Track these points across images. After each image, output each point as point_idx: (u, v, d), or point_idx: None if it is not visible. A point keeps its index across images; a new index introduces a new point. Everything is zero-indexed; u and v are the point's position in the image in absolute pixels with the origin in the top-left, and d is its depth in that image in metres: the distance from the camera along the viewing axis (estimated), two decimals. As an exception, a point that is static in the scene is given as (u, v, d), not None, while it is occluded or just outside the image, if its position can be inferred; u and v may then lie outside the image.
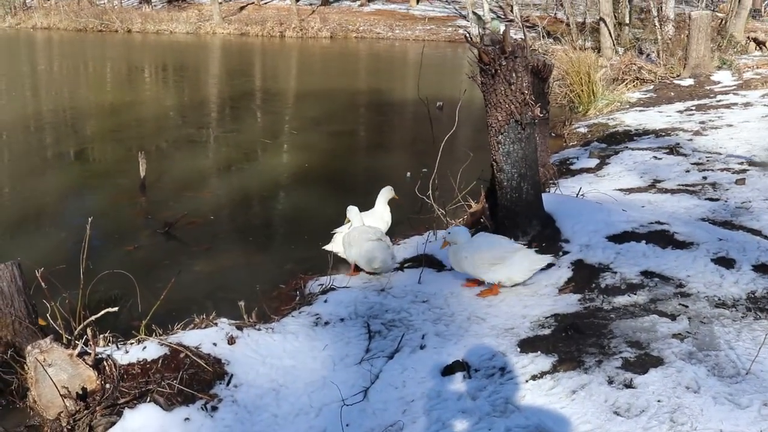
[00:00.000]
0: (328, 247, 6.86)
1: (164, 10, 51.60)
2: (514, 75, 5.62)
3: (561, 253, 5.80)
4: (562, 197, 6.90)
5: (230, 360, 4.62)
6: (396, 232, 7.57)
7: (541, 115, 6.34)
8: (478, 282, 5.66)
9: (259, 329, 5.05)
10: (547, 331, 4.62)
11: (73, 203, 9.14)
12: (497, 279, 5.44)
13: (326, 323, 5.27)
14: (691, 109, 14.11)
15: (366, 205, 7.20)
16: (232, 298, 5.66)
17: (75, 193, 9.62)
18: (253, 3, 54.08)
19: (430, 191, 7.22)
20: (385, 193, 7.39)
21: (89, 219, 5.01)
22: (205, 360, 4.54)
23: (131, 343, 4.70)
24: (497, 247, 5.48)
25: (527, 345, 4.47)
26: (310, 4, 53.74)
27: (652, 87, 18.00)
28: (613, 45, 24.34)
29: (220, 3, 49.85)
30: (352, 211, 6.54)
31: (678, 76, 18.90)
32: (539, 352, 4.31)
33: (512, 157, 5.90)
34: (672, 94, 16.55)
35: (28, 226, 8.33)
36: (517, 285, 5.49)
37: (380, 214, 7.15)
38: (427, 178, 7.67)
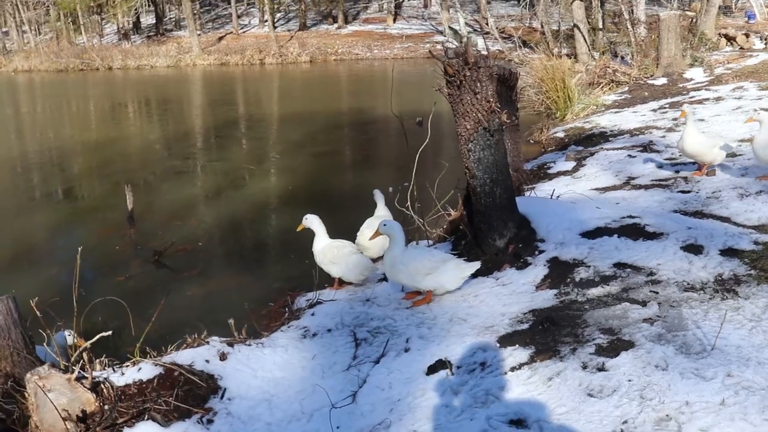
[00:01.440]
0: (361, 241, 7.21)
1: (144, 45, 52.02)
2: (478, 84, 5.86)
3: (537, 252, 6.01)
4: (537, 199, 7.13)
5: (223, 375, 4.79)
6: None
7: (510, 122, 6.58)
8: (417, 293, 5.89)
9: (249, 345, 5.23)
10: (525, 326, 4.82)
11: (63, 239, 9.33)
12: (431, 287, 5.70)
13: (314, 335, 5.45)
14: (665, 108, 14.41)
15: (351, 220, 7.42)
16: (223, 318, 5.83)
17: (64, 230, 9.81)
18: (231, 33, 54.53)
19: (408, 203, 7.42)
20: (379, 195, 7.70)
21: (79, 249, 5.14)
22: (198, 376, 4.71)
23: (127, 366, 4.87)
24: (429, 257, 5.75)
25: (506, 340, 4.66)
26: (288, 30, 54.24)
27: (627, 88, 18.33)
28: (589, 50, 24.74)
29: (199, 35, 50.26)
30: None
31: (651, 76, 19.26)
32: (517, 345, 4.50)
33: (483, 163, 6.11)
34: (646, 94, 16.87)
35: (19, 263, 8.49)
36: (447, 293, 5.76)
37: (385, 216, 7.45)
38: (407, 191, 7.90)
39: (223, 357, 4.97)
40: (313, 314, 5.87)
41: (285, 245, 8.59)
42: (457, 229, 7.30)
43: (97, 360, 4.93)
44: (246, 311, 5.95)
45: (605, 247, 5.81)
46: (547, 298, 5.23)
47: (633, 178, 8.99)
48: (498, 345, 4.62)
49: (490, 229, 6.26)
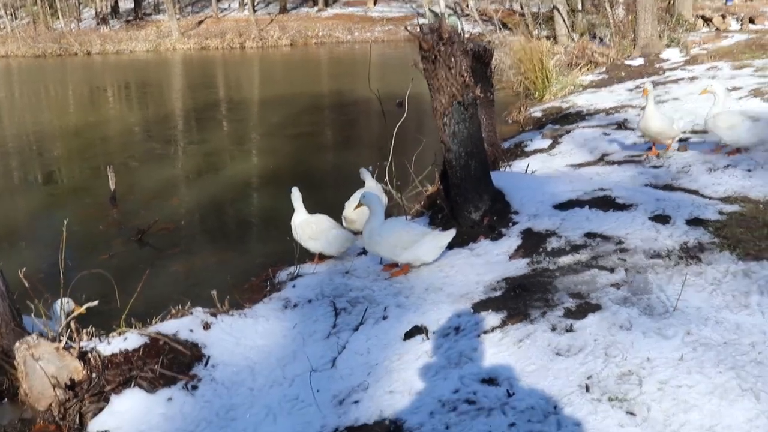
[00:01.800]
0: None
1: (122, 30, 51.57)
2: (452, 59, 6.01)
3: (511, 224, 6.20)
4: (511, 174, 7.32)
5: (206, 343, 4.95)
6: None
7: (484, 96, 6.74)
8: (395, 265, 6.06)
9: (232, 315, 5.38)
10: (498, 293, 5.00)
11: (45, 220, 9.40)
12: (409, 260, 5.87)
13: (295, 305, 5.61)
14: (640, 87, 14.62)
15: (332, 198, 7.58)
16: (206, 293, 5.96)
17: (45, 212, 9.88)
18: (211, 17, 54.18)
19: (387, 179, 7.58)
20: (366, 173, 7.88)
21: (65, 221, 5.26)
22: (183, 345, 4.86)
23: (113, 336, 5.00)
24: (408, 231, 5.91)
25: (480, 306, 4.84)
26: (269, 14, 53.96)
27: (604, 69, 18.54)
28: (568, 32, 24.95)
29: (178, 19, 49.89)
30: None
31: (629, 56, 19.48)
32: (490, 310, 4.69)
33: (458, 137, 6.28)
34: (623, 74, 17.09)
35: (2, 245, 8.57)
36: (424, 264, 5.91)
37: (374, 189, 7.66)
38: (386, 169, 8.07)
39: (206, 326, 5.12)
40: (293, 286, 6.02)
41: (266, 222, 8.73)
42: (435, 204, 7.48)
43: (84, 330, 5.06)
44: (228, 285, 6.09)
45: (576, 218, 6.01)
46: (520, 267, 5.42)
47: (607, 155, 9.19)
48: (472, 311, 4.80)
49: (465, 201, 6.43)
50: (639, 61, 18.49)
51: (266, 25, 47.82)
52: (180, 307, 5.41)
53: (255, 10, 51.37)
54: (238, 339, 5.06)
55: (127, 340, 4.88)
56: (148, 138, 15.73)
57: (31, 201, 10.49)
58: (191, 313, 5.31)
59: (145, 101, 22.34)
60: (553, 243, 5.66)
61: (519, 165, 8.84)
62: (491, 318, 4.60)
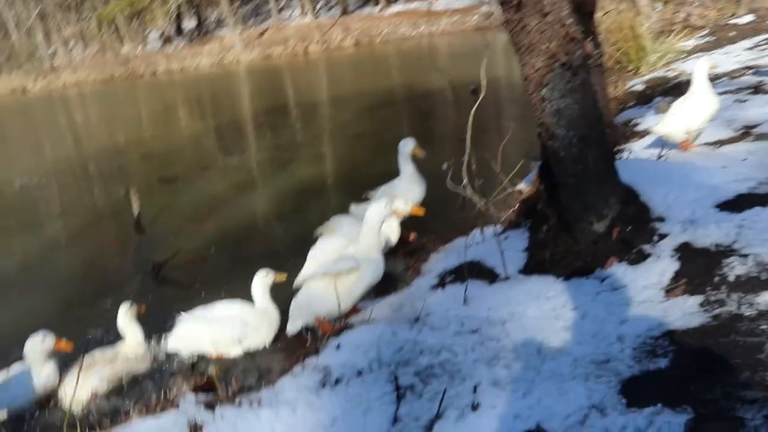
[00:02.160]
0: None
1: (186, 48, 51.39)
2: (547, 2, 4.03)
3: (656, 237, 4.14)
4: (642, 162, 5.25)
5: (192, 466, 3.13)
6: (436, 230, 6.11)
7: (594, 56, 4.73)
8: None
9: (239, 404, 3.54)
10: (662, 363, 2.99)
11: (59, 257, 7.84)
12: None
13: (337, 381, 3.73)
14: (762, 45, 12.19)
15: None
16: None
17: (64, 244, 8.33)
18: (273, 26, 53.49)
19: (465, 180, 5.62)
20: (408, 143, 6.11)
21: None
22: (154, 473, 3.06)
23: None
24: None
25: (636, 391, 2.85)
26: (331, 17, 52.83)
27: (707, 32, 16.03)
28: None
29: (240, 31, 49.27)
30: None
31: (733, 15, 16.94)
32: (659, 404, 2.68)
33: (566, 116, 4.28)
34: (732, 34, 14.60)
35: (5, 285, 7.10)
36: None
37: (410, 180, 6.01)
38: (461, 167, 6.14)
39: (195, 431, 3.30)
40: (338, 347, 4.15)
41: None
42: (534, 211, 5.49)
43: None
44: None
45: (763, 223, 3.90)
46: (689, 310, 3.37)
47: (752, 127, 6.97)
48: (624, 400, 2.81)
49: (582, 207, 4.42)
50: (748, 18, 15.96)
51: (329, 28, 46.45)
52: (162, 396, 3.62)
53: (316, 15, 50.19)
54: (245, 453, 3.22)
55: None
56: (198, 151, 14.23)
57: (53, 233, 8.98)
58: (177, 406, 3.50)
59: (208, 114, 20.99)
60: (735, 267, 3.57)
61: (636, 149, 6.74)
62: (665, 422, 2.59)
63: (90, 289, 6.57)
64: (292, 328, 4.96)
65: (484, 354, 3.68)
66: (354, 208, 6.75)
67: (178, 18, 58.52)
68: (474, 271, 4.92)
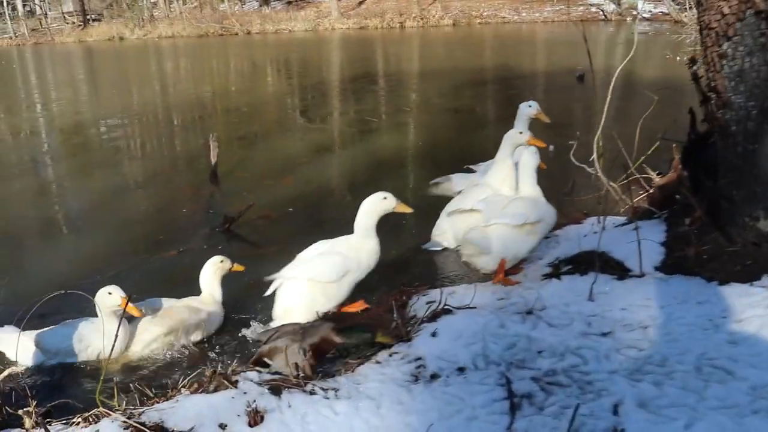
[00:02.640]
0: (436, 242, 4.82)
1: (283, 11, 51.31)
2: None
3: None
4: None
5: (246, 462, 2.44)
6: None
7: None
8: None
9: (311, 392, 2.84)
10: None
11: (131, 198, 7.32)
12: None
13: (433, 377, 3.00)
14: None
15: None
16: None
17: (137, 188, 7.81)
18: (371, -3, 52.91)
19: (595, 155, 4.75)
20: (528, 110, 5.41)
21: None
22: (197, 463, 2.38)
23: (76, 423, 2.61)
24: None
25: None
26: (430, -6, 51.85)
27: None
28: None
29: (338, 0, 48.96)
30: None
31: None
32: None
33: (748, 80, 3.40)
34: None
35: (75, 223, 6.61)
36: None
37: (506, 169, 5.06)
38: (584, 147, 5.29)
39: (255, 419, 2.60)
40: (434, 334, 3.40)
41: (407, 216, 6.19)
42: (670, 200, 4.61)
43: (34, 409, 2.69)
44: (325, 322, 3.52)
45: None
46: None
47: None
48: None
49: (748, 198, 3.55)
50: None
51: (428, 4, 45.51)
52: (218, 370, 2.93)
53: (417, -9, 49.25)
54: (313, 455, 2.51)
55: (96, 441, 2.47)
56: (287, 106, 13.67)
57: (127, 173, 8.50)
58: (235, 385, 2.81)
59: (295, 74, 20.48)
60: None
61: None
62: None
63: (156, 235, 6.00)
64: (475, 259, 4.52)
65: (624, 364, 2.89)
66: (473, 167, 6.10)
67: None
68: (599, 262, 4.10)
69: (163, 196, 7.34)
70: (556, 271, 4.26)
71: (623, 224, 4.82)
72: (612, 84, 4.76)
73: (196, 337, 4.17)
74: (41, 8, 59.58)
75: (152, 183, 7.98)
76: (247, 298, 4.60)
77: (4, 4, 54.45)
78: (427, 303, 3.92)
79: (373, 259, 4.29)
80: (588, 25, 34.90)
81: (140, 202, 7.18)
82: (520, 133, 4.67)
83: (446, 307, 3.69)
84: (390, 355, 3.23)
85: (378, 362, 3.18)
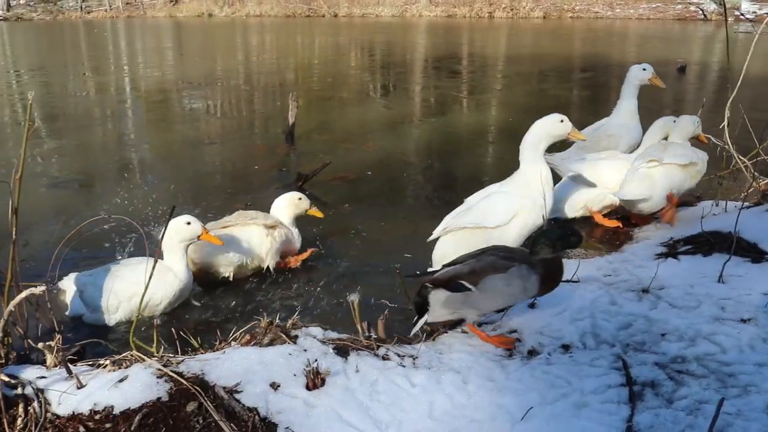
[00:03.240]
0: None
1: (371, -5, 51.11)
2: None
3: None
4: None
5: (305, 424, 1.96)
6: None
7: None
8: None
9: (384, 356, 2.35)
10: None
11: (207, 151, 6.99)
12: None
13: (531, 353, 2.47)
14: None
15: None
16: (364, 292, 3.02)
17: (213, 143, 7.49)
18: (461, -14, 52.28)
19: (725, 124, 4.10)
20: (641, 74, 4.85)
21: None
22: (242, 425, 1.92)
23: (103, 366, 2.19)
24: None
25: None
26: (521, -14, 50.84)
27: None
28: None
29: (429, -14, 48.43)
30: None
31: None
32: None
33: None
34: None
35: (152, 167, 6.35)
36: None
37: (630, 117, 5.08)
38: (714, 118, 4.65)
39: (315, 381, 2.14)
40: (532, 304, 2.87)
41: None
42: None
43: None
44: (400, 284, 3.01)
45: None
46: None
47: None
48: None
49: None
50: None
51: (522, -7, 44.55)
52: (274, 321, 2.46)
53: (508, -18, 48.20)
54: (383, 426, 2.02)
55: (125, 385, 2.05)
56: (369, 79, 13.23)
57: (204, 130, 8.21)
58: (294, 340, 2.35)
59: (378, 53, 20.03)
60: None
61: None
62: None
63: (225, 188, 5.64)
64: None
65: (773, 354, 2.30)
66: None
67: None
68: (723, 244, 3.49)
69: (237, 152, 6.99)
70: (672, 250, 3.65)
71: (749, 207, 4.17)
72: (747, 62, 4.10)
73: (276, 257, 3.89)
74: (136, -18, 61.16)
75: (228, 139, 7.66)
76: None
77: (101, -24, 56.03)
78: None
79: (548, 187, 3.59)
80: (686, 24, 33.38)
81: (213, 156, 6.85)
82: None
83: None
84: (479, 325, 2.71)
85: (464, 331, 2.67)
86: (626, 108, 5.11)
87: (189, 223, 3.49)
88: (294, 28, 32.64)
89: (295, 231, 4.16)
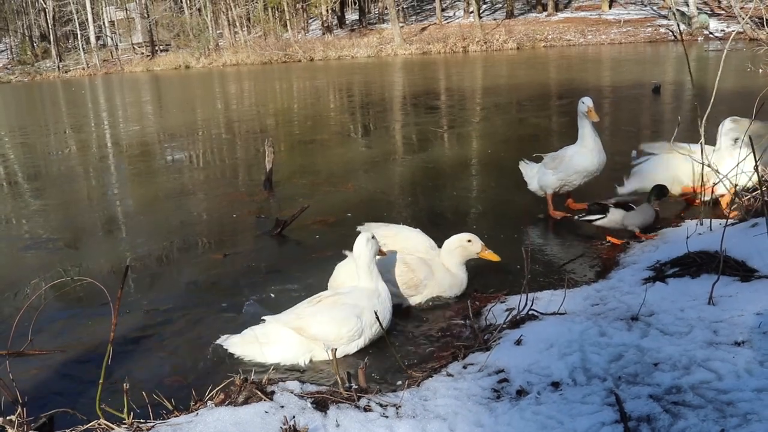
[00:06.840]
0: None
1: (345, 38, 51.68)
2: None
3: None
4: None
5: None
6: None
7: None
8: None
9: (366, 408, 2.23)
10: None
11: (185, 203, 6.89)
12: None
13: (519, 393, 2.36)
14: None
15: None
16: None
17: (192, 192, 7.40)
18: (434, 24, 52.95)
19: (702, 141, 4.06)
20: (584, 106, 4.79)
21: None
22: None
23: None
24: None
25: None
26: (494, 19, 51.61)
27: None
28: None
29: (402, 26, 49.02)
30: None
31: None
32: None
33: None
34: None
35: (125, 223, 6.24)
36: None
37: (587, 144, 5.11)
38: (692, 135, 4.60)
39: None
40: (518, 342, 2.77)
41: (471, 219, 5.55)
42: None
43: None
44: (380, 326, 2.91)
45: None
46: None
47: None
48: None
49: None
50: None
51: (492, 29, 45.04)
52: (247, 379, 2.35)
53: (480, 16, 48.84)
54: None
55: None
56: (349, 120, 13.22)
57: (183, 180, 8.13)
58: (270, 397, 2.24)
59: (356, 93, 20.09)
60: None
61: None
62: None
63: (202, 237, 5.53)
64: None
65: (774, 381, 2.20)
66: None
67: (342, 8, 59.07)
68: (710, 264, 3.41)
69: (216, 201, 6.88)
70: (660, 274, 3.57)
71: (734, 224, 4.11)
72: (716, 81, 4.07)
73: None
74: (112, 40, 61.62)
75: (208, 189, 7.56)
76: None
77: (79, 36, 56.39)
78: (506, 310, 3.29)
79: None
80: (657, 46, 33.84)
81: (193, 207, 6.74)
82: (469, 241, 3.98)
83: (532, 311, 3.05)
84: (464, 367, 2.61)
85: (449, 375, 2.56)
86: (580, 134, 5.20)
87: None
88: (271, 74, 32.81)
89: (462, 276, 3.94)
